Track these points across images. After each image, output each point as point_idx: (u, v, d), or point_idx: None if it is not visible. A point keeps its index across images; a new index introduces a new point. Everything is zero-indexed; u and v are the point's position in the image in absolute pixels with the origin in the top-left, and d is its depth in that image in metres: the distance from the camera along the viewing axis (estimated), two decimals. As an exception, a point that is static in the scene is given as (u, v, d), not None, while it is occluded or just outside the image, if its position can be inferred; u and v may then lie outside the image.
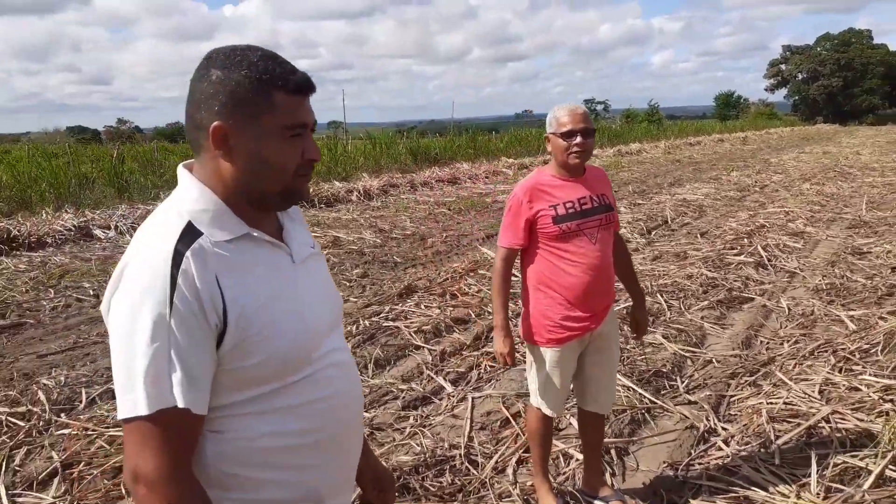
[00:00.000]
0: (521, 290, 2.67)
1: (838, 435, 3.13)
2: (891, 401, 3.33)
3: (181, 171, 1.21)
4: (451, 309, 5.42)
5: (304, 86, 1.16)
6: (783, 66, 67.65)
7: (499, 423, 3.58)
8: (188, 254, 1.08)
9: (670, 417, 3.58)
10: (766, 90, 69.78)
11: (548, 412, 2.68)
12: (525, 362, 2.80)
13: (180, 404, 1.05)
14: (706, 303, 5.39)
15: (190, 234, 1.11)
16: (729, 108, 66.66)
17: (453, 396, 3.90)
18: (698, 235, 8.12)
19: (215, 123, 1.12)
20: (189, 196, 1.17)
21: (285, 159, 1.15)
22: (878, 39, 66.31)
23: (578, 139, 2.43)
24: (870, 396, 3.41)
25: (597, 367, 2.68)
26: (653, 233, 8.44)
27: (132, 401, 1.04)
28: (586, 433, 2.86)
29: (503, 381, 4.09)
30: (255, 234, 1.18)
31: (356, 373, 1.38)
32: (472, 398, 3.84)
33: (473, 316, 5.28)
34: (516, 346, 2.75)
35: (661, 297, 5.49)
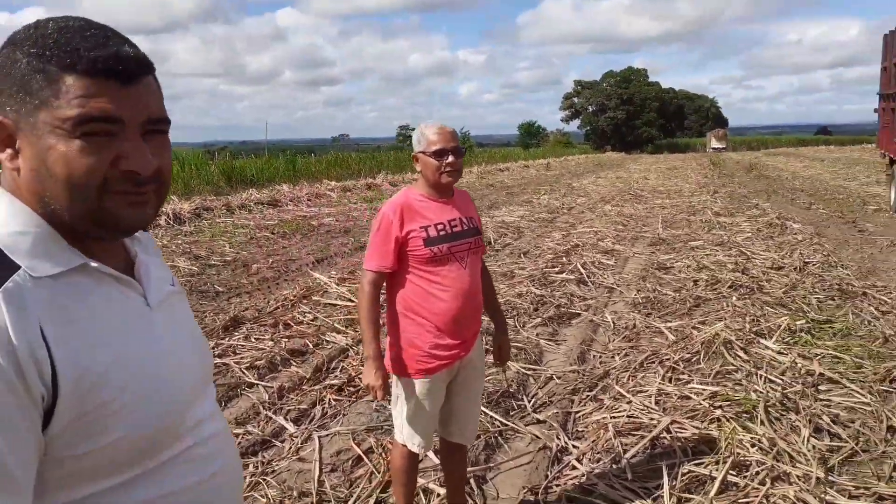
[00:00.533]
0: (387, 318, 2.47)
1: (679, 444, 3.27)
2: (720, 407, 3.57)
3: None
4: (286, 340, 5.04)
5: (105, 64, 0.83)
6: (576, 100, 74.39)
7: (350, 462, 3.32)
8: None
9: (522, 439, 3.55)
10: (562, 121, 76.21)
11: (415, 448, 2.49)
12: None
13: None
14: (538, 320, 5.54)
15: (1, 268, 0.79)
16: (531, 136, 71.71)
17: (297, 437, 3.56)
18: (521, 255, 8.42)
19: None
20: None
21: (77, 169, 0.83)
22: (652, 78, 75.47)
23: (450, 158, 2.32)
24: (701, 404, 3.64)
25: (463, 397, 2.55)
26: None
27: None
28: (449, 466, 2.72)
29: (351, 415, 3.83)
30: (95, 265, 0.87)
31: (234, 446, 1.09)
32: (319, 437, 3.53)
33: (311, 346, 4.95)
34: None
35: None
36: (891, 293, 5.94)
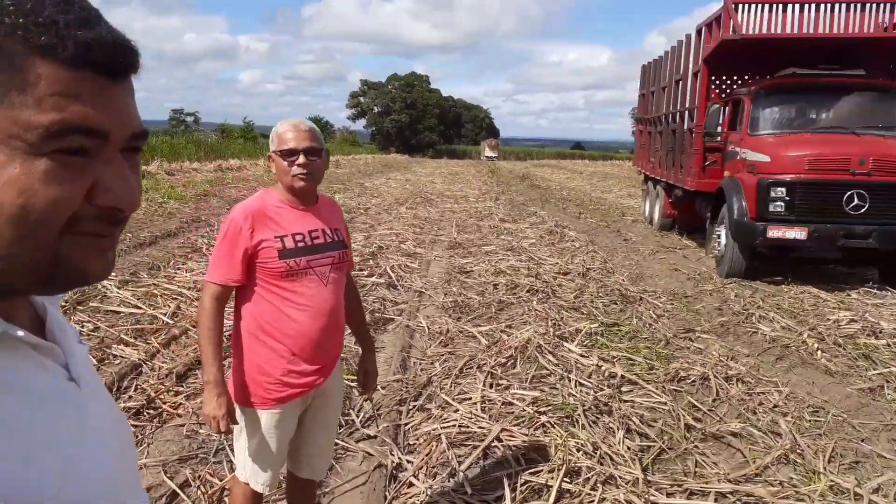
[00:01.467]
0: (232, 339, 2.17)
1: (511, 452, 3.34)
2: (544, 413, 3.71)
3: None
4: (62, 356, 4.30)
5: (103, 54, 0.57)
6: (362, 99, 74.97)
7: (164, 498, 2.89)
8: None
9: (354, 457, 3.38)
10: (348, 119, 76.28)
11: (259, 488, 2.21)
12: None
13: None
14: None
15: None
16: (317, 131, 70.73)
17: (91, 475, 3.02)
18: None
19: None
20: None
21: (39, 200, 0.55)
22: (433, 85, 78.65)
23: (301, 159, 2.07)
24: (525, 410, 3.76)
25: (316, 428, 2.31)
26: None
27: None
28: (295, 498, 2.48)
29: (157, 443, 3.36)
30: (21, 334, 0.60)
31: None
32: (120, 474, 3.03)
33: (96, 362, 4.27)
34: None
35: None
36: (660, 298, 6.73)
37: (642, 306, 6.31)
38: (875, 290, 7.10)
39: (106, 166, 0.59)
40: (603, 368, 4.44)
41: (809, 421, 3.82)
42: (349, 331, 2.51)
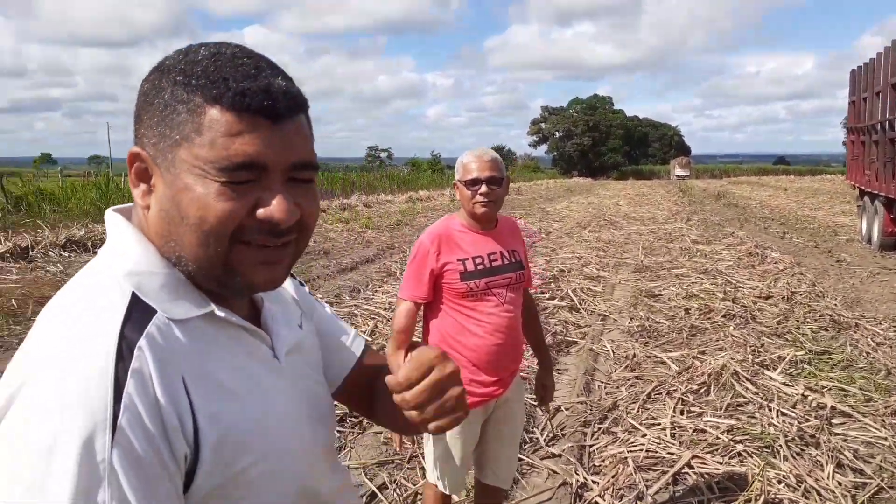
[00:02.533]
0: None
1: (704, 480, 3.20)
2: (740, 442, 3.50)
3: (111, 216, 0.78)
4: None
5: (256, 101, 0.71)
6: (543, 125, 75.37)
7: (364, 498, 3.15)
8: (142, 343, 0.67)
9: (539, 474, 3.43)
10: (529, 146, 77.06)
11: (445, 490, 2.35)
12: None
13: None
14: (538, 348, 5.44)
15: (139, 311, 0.69)
16: (500, 160, 72.25)
17: (304, 473, 3.38)
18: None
19: (132, 149, 0.74)
20: (126, 253, 0.74)
21: (212, 214, 0.71)
22: (617, 106, 77.10)
23: (484, 188, 2.19)
24: (719, 438, 3.57)
25: (500, 438, 2.42)
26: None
27: None
28: (482, 501, 2.59)
29: (358, 448, 3.67)
30: (222, 314, 0.77)
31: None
32: (328, 473, 3.36)
33: (306, 374, 4.77)
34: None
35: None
36: (881, 324, 6.01)
37: (858, 333, 5.68)
38: None
39: (266, 190, 0.73)
40: (809, 398, 4.08)
41: None
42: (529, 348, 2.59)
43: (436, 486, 2.37)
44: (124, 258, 0.74)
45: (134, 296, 0.71)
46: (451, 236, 2.24)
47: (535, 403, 2.69)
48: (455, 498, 2.42)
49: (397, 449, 2.26)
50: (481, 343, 2.24)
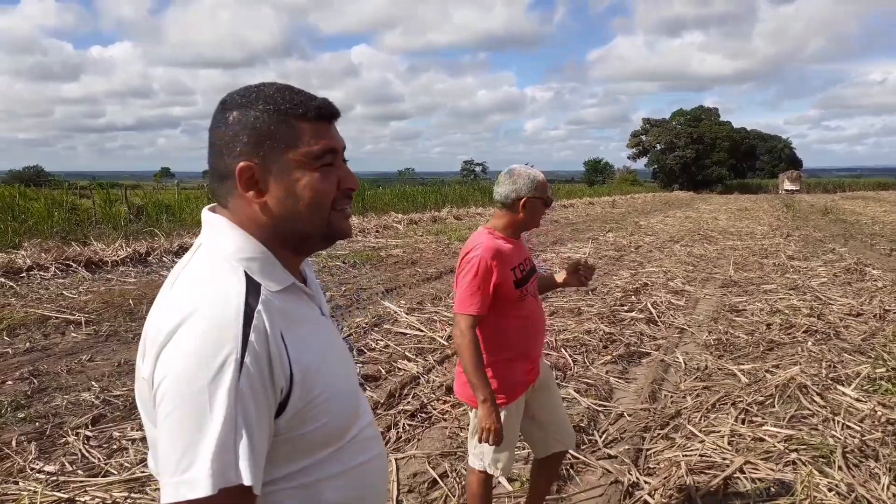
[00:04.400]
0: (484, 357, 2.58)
1: (753, 485, 3.27)
2: (795, 450, 3.54)
3: (210, 216, 1.10)
4: (360, 366, 5.24)
5: (327, 110, 1.08)
6: (643, 137, 73.57)
7: (426, 484, 3.44)
8: (260, 307, 0.98)
9: (593, 472, 3.60)
10: (628, 158, 75.45)
11: (498, 472, 2.58)
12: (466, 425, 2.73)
13: (246, 482, 0.90)
14: (608, 357, 5.57)
15: (252, 285, 1.01)
16: (597, 173, 71.32)
17: (374, 458, 3.72)
18: (589, 292, 8.44)
19: (241, 164, 1.04)
20: (233, 244, 1.05)
21: (320, 192, 1.06)
22: (723, 117, 74.17)
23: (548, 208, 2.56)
24: (775, 446, 3.61)
25: (548, 408, 2.69)
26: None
27: (189, 481, 0.88)
28: (539, 478, 2.82)
29: (425, 440, 3.97)
30: (299, 284, 1.10)
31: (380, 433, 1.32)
32: (395, 460, 3.68)
33: (384, 373, 5.13)
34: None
35: (566, 351, 5.62)
36: (980, 345, 5.70)
37: (951, 353, 5.42)
38: None
39: (341, 168, 1.10)
40: (879, 414, 4.01)
41: None
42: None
43: (483, 471, 2.57)
44: (232, 246, 1.05)
45: (246, 274, 1.02)
46: (501, 249, 2.43)
47: (585, 277, 2.78)
48: (495, 481, 2.65)
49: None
50: (529, 338, 2.52)
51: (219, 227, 1.08)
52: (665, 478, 3.44)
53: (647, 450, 3.83)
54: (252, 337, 0.94)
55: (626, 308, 7.37)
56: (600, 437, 3.99)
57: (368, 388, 4.79)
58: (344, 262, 10.73)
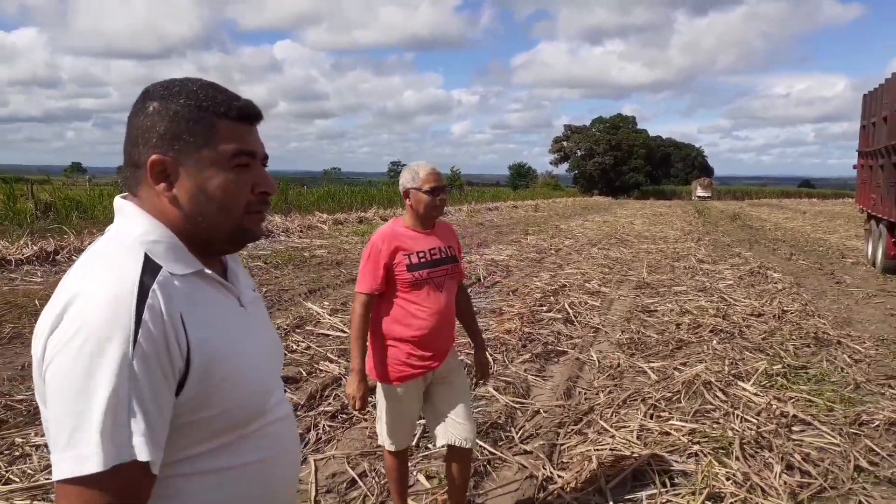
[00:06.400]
0: (371, 331, 2.73)
1: (658, 476, 3.44)
2: (698, 443, 3.75)
3: (121, 202, 1.10)
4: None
5: (249, 112, 1.09)
6: (565, 143, 75.50)
7: (345, 484, 3.45)
8: (155, 286, 0.98)
9: (510, 468, 3.69)
10: (551, 163, 77.24)
11: (391, 447, 2.80)
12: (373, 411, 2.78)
13: (141, 458, 0.91)
14: (527, 356, 5.72)
15: (150, 266, 1.00)
16: (520, 177, 72.63)
17: (293, 459, 3.69)
18: (510, 293, 8.62)
19: (154, 156, 1.04)
20: (139, 227, 1.06)
21: (231, 193, 1.07)
22: (640, 125, 77.17)
23: (441, 196, 2.67)
24: (680, 440, 3.81)
25: (446, 400, 2.81)
26: (468, 290, 8.79)
27: (79, 457, 0.88)
28: (450, 472, 2.92)
29: (345, 440, 3.97)
30: (208, 272, 1.09)
31: (296, 429, 1.30)
32: (314, 460, 3.67)
33: (305, 374, 5.09)
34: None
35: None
36: (864, 342, 6.19)
37: (839, 350, 5.86)
38: None
39: (257, 171, 1.11)
40: (774, 407, 4.30)
41: None
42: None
43: (383, 445, 2.85)
44: (138, 229, 1.05)
45: (146, 255, 1.02)
46: (398, 235, 2.66)
47: (477, 378, 3.05)
48: (422, 481, 2.71)
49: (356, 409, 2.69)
50: (422, 324, 2.66)
51: (128, 212, 1.08)
52: (577, 472, 3.57)
53: (562, 445, 3.96)
54: (146, 315, 0.94)
55: (545, 308, 7.57)
56: (517, 433, 4.10)
57: (289, 391, 4.74)
58: (266, 263, 10.53)
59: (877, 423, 4.10)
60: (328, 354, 5.55)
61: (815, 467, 3.52)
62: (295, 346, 5.74)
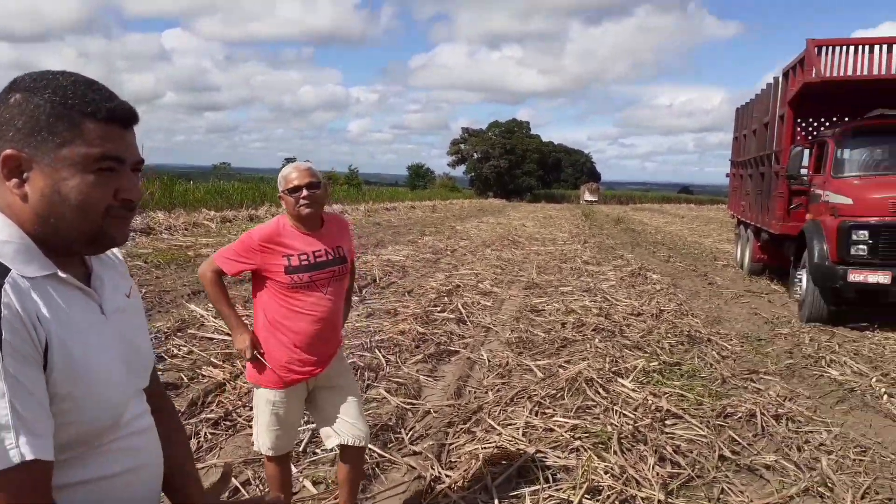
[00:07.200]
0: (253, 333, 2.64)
1: (542, 472, 3.55)
2: (579, 438, 3.89)
3: None
4: (159, 374, 4.91)
5: (121, 115, 1.03)
6: (462, 146, 76.70)
7: (227, 493, 3.31)
8: (6, 286, 0.92)
9: (398, 469, 3.69)
10: (448, 165, 78.18)
11: (270, 452, 2.70)
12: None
13: (28, 456, 0.87)
14: (420, 356, 5.74)
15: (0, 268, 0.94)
16: (419, 178, 73.05)
17: (171, 470, 3.51)
18: (405, 294, 8.64)
19: (7, 151, 0.97)
20: None
21: (89, 197, 1.01)
22: (535, 130, 79.58)
23: (304, 192, 2.53)
24: (563, 436, 3.95)
25: (335, 403, 2.75)
26: (364, 291, 8.75)
27: None
28: (342, 474, 2.87)
29: (228, 448, 3.83)
30: (63, 275, 1.02)
31: (159, 443, 1.23)
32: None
33: (186, 380, 4.86)
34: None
35: (380, 352, 5.69)
36: (731, 339, 6.67)
37: (709, 347, 6.29)
38: (972, 338, 6.69)
39: (123, 177, 1.04)
40: (650, 402, 4.54)
41: (853, 460, 3.77)
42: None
43: (260, 451, 2.75)
44: None
45: None
46: (279, 235, 2.55)
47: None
48: (308, 487, 2.65)
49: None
50: (304, 329, 2.57)
51: None
52: (465, 470, 3.61)
53: (450, 444, 4.00)
54: (4, 313, 0.90)
55: (439, 309, 7.63)
56: (407, 434, 4.10)
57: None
58: (146, 262, 9.97)
59: (739, 414, 4.43)
60: (212, 359, 5.33)
61: (684, 458, 3.75)
62: (176, 351, 5.47)
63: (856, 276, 6.91)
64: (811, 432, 4.18)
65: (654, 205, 60.75)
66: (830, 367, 5.63)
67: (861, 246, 7.00)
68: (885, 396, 4.85)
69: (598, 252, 14.38)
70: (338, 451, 2.87)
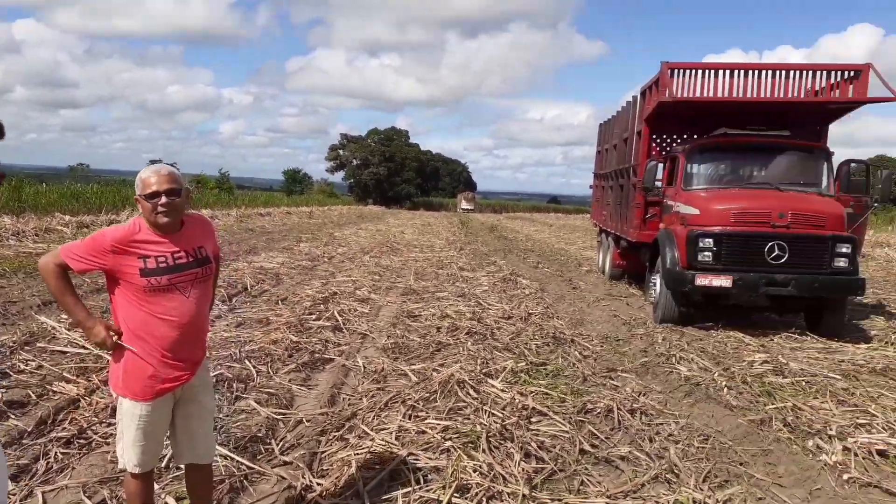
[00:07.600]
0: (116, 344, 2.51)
1: (413, 474, 3.61)
2: (450, 439, 4.00)
3: None
4: (3, 392, 4.52)
5: None
6: (341, 152, 75.99)
7: (81, 517, 3.12)
8: None
9: (268, 481, 3.62)
10: (327, 171, 77.13)
11: (136, 470, 2.56)
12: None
13: None
14: (293, 366, 5.64)
15: None
16: (295, 183, 71.43)
17: (14, 494, 3.25)
18: (278, 302, 8.44)
19: None
20: None
21: None
22: (413, 139, 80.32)
23: (163, 199, 2.44)
24: (434, 437, 4.04)
25: (191, 418, 2.67)
26: (234, 299, 8.46)
27: None
28: (194, 491, 2.78)
29: (81, 468, 3.59)
30: None
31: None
32: (42, 493, 3.26)
33: (34, 397, 4.50)
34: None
35: (250, 362, 5.54)
36: (592, 340, 7.08)
37: (572, 348, 6.64)
38: (797, 336, 7.52)
39: None
40: (517, 401, 4.74)
41: (697, 447, 4.15)
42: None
43: (125, 468, 2.58)
44: None
45: None
46: (134, 237, 2.44)
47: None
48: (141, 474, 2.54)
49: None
50: (168, 334, 2.47)
51: None
52: (337, 477, 3.61)
53: (322, 452, 3.97)
54: None
55: (314, 317, 7.53)
56: (277, 445, 4.03)
57: (13, 416, 4.17)
58: (-12, 271, 9.10)
59: (598, 410, 4.73)
60: (64, 374, 4.97)
61: (548, 453, 3.95)
62: (23, 367, 5.05)
63: (702, 281, 7.57)
64: (661, 424, 4.54)
65: (526, 213, 63.11)
66: (680, 364, 6.12)
67: (707, 253, 7.67)
68: (725, 389, 5.36)
69: (472, 258, 14.75)
70: (185, 468, 2.79)
